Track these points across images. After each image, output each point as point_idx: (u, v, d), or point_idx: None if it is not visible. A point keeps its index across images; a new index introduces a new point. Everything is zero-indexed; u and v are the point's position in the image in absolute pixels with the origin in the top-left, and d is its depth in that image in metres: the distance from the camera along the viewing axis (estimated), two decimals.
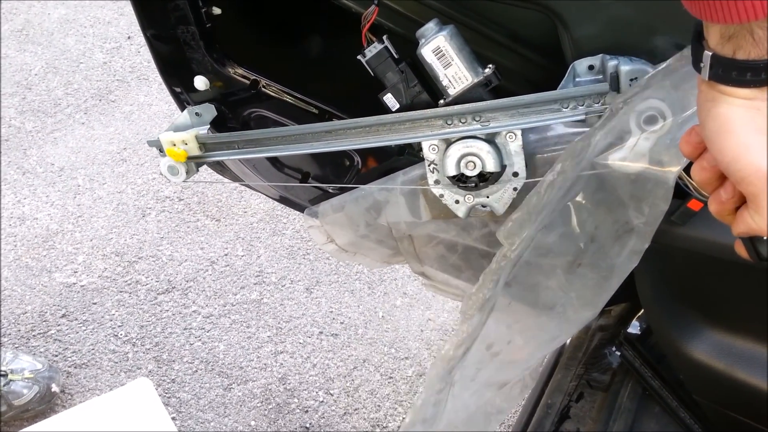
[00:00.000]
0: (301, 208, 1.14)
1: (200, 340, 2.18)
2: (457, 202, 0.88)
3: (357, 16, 0.87)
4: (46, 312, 2.25)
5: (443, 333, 2.18)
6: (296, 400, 2.02)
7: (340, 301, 2.28)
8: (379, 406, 2.00)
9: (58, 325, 2.22)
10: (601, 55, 0.78)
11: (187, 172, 0.99)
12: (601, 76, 0.78)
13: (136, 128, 2.97)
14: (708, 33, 0.55)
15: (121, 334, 2.19)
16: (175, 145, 0.95)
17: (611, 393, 1.21)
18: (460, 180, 0.85)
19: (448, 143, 0.84)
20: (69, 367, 2.10)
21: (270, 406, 2.00)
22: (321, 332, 2.19)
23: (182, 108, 1.06)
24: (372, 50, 0.85)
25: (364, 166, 1.05)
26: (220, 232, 2.52)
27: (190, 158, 0.97)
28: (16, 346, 2.14)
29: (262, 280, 2.35)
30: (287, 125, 1.03)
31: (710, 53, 0.54)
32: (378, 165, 1.03)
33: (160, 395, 1.89)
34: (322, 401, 2.02)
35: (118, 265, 2.40)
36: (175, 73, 1.02)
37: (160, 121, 3.02)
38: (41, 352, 2.13)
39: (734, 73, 0.53)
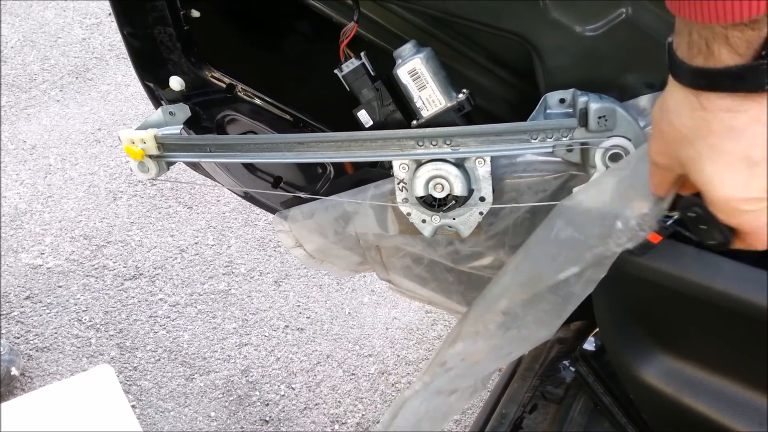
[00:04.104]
0: (269, 209, 1.15)
1: (165, 328, 2.17)
2: (423, 221, 0.90)
3: (337, 26, 0.88)
4: (10, 293, 2.23)
5: (408, 332, 2.20)
6: (257, 393, 2.02)
7: (307, 295, 2.29)
8: (339, 402, 2.02)
9: (22, 306, 2.20)
10: (572, 89, 0.80)
11: (158, 170, 0.99)
12: (571, 110, 0.80)
13: (112, 109, 2.93)
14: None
15: (85, 319, 2.18)
16: (133, 143, 0.95)
17: (564, 406, 1.24)
18: (427, 201, 0.87)
19: (418, 164, 0.85)
20: (30, 350, 2.08)
21: (231, 398, 2.01)
22: (287, 326, 2.20)
23: (157, 105, 1.06)
24: (349, 66, 0.86)
25: (336, 174, 1.05)
26: (192, 219, 2.51)
27: (154, 157, 0.96)
28: None
29: (231, 271, 2.35)
30: (261, 130, 1.03)
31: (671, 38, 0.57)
32: (350, 175, 1.04)
33: (121, 382, 1.88)
34: (284, 395, 2.03)
35: (85, 249, 2.38)
36: (151, 72, 1.02)
37: (137, 103, 2.98)
38: (3, 334, 2.11)
39: (671, 62, 0.56)
